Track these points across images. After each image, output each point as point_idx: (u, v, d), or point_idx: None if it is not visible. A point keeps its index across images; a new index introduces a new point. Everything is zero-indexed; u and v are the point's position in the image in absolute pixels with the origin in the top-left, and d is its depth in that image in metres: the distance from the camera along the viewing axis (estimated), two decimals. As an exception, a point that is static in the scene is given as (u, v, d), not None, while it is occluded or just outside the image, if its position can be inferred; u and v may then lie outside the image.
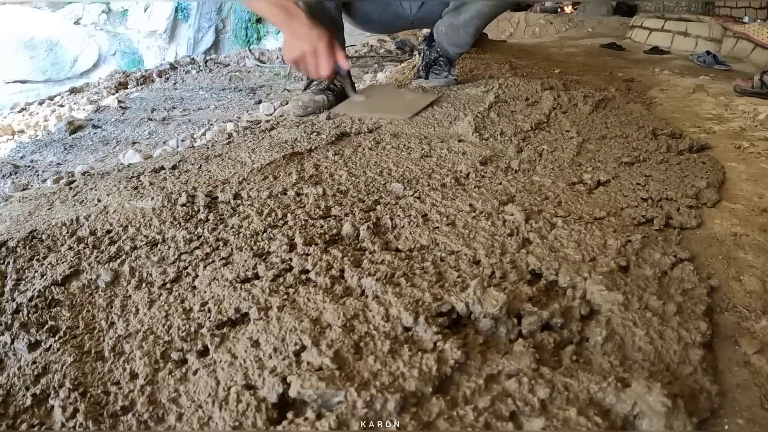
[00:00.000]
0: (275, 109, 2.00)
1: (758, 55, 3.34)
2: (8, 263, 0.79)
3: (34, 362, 0.60)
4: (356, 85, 2.39)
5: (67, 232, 0.87)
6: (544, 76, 2.34)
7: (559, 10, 6.00)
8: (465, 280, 0.68)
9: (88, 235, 0.86)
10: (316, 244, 0.77)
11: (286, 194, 0.97)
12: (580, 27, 5.11)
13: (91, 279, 0.75)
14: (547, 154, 1.17)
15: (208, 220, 0.89)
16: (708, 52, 3.26)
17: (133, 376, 0.57)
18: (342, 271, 0.71)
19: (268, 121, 1.67)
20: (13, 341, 0.64)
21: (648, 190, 0.97)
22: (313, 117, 1.54)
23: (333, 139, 1.28)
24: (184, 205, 0.93)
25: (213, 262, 0.75)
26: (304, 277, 0.70)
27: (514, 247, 0.76)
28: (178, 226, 0.87)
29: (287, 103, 1.90)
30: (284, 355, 0.56)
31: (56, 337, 0.64)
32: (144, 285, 0.73)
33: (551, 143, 1.24)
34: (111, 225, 0.89)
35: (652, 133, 1.34)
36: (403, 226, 0.83)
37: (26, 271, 0.78)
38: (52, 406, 0.55)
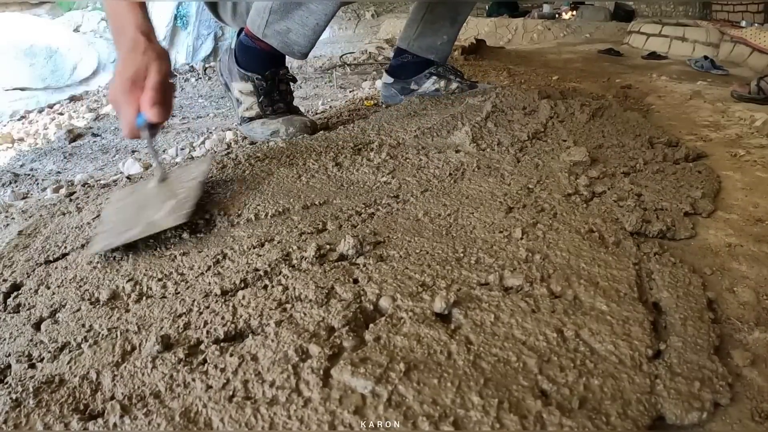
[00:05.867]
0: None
1: (755, 59, 3.35)
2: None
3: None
4: (353, 92, 2.36)
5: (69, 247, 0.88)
6: (542, 83, 2.35)
7: (557, 16, 6.03)
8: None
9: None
10: (312, 258, 0.78)
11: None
12: (578, 33, 5.13)
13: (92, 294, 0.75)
14: (544, 164, 1.18)
15: (206, 233, 0.89)
16: (705, 57, 3.28)
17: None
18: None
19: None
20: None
21: (643, 200, 0.98)
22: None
23: (332, 153, 1.29)
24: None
25: (211, 276, 0.76)
26: (299, 293, 0.71)
27: (509, 260, 0.77)
28: (177, 239, 0.87)
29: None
30: (282, 369, 0.57)
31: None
32: (144, 299, 0.73)
33: (548, 153, 1.25)
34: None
35: (649, 141, 1.35)
36: (398, 239, 0.83)
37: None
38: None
